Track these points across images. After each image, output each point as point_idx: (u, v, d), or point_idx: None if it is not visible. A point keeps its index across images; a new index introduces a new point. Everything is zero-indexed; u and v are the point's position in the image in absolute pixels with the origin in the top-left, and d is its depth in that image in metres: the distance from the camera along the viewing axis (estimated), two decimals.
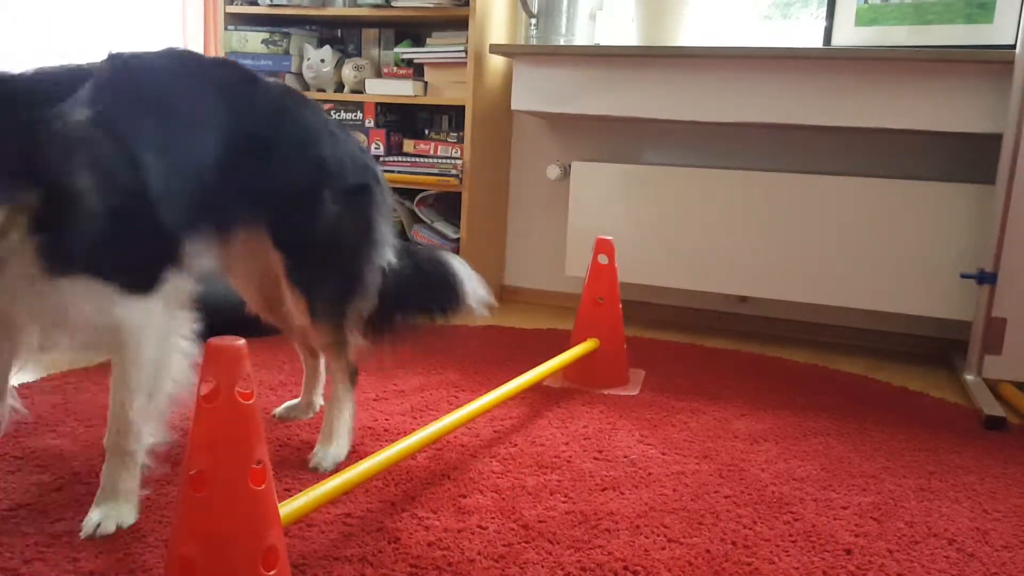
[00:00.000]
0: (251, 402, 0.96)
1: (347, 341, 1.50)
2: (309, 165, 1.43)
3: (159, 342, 1.23)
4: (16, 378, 1.89)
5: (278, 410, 1.73)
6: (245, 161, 1.36)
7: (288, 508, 1.06)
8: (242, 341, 0.96)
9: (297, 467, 1.49)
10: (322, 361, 1.71)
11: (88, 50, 3.18)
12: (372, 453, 1.29)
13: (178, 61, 1.38)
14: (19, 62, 3.00)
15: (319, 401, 1.74)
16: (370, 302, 1.50)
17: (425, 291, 1.61)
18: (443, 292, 1.61)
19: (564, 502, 1.39)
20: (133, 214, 1.18)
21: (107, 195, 1.14)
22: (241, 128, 1.36)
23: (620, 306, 2.05)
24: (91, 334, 1.19)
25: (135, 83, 1.27)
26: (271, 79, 1.49)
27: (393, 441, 1.33)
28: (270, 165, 1.39)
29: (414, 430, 1.38)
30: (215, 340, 0.95)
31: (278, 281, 1.46)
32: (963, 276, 2.24)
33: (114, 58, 1.29)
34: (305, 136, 1.44)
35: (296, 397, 1.80)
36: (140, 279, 1.20)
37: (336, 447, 1.50)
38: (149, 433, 1.26)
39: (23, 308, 1.17)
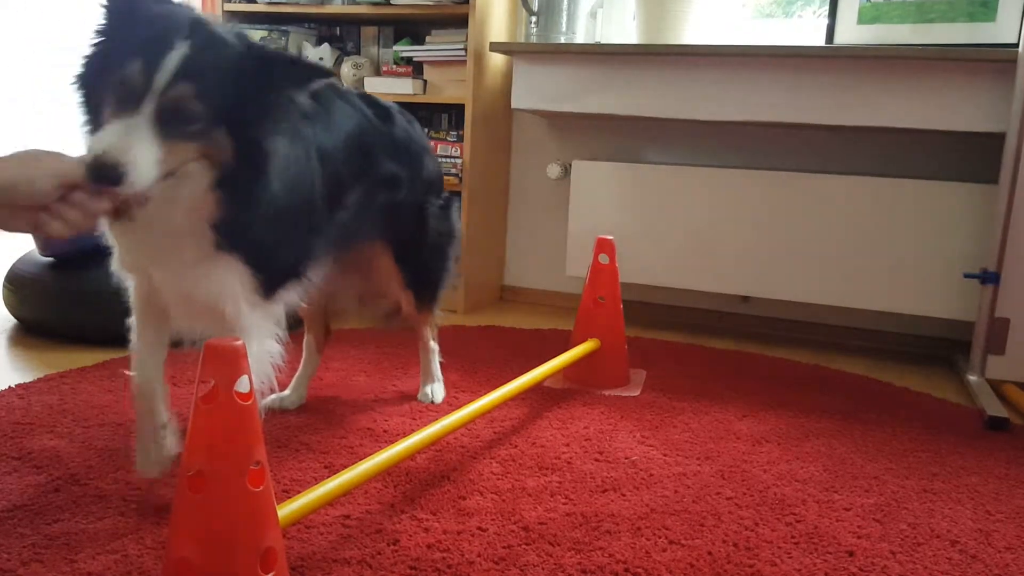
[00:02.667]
0: (249, 403, 0.95)
1: (435, 313, 1.86)
2: (422, 188, 1.70)
3: (261, 342, 1.30)
4: (16, 378, 1.89)
5: (267, 400, 1.75)
6: (380, 194, 1.58)
7: (287, 510, 1.05)
8: (240, 341, 0.95)
9: (296, 468, 1.48)
10: (319, 356, 1.88)
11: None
12: (372, 454, 1.29)
13: (338, 94, 1.53)
14: (16, 57, 3.00)
15: (305, 393, 1.85)
16: (445, 287, 1.85)
17: None
18: None
19: (565, 503, 1.39)
20: (300, 225, 1.31)
21: (291, 196, 1.24)
22: (382, 167, 1.58)
23: (620, 306, 2.05)
24: (216, 320, 1.25)
25: (334, 112, 1.45)
26: (385, 103, 1.66)
27: (393, 442, 1.33)
28: (398, 194, 1.63)
29: (414, 431, 1.37)
30: (213, 340, 0.94)
31: (371, 278, 1.74)
32: (966, 276, 2.24)
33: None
34: (420, 164, 1.70)
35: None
36: (275, 285, 1.30)
37: (440, 384, 1.91)
38: None
39: (175, 282, 1.23)
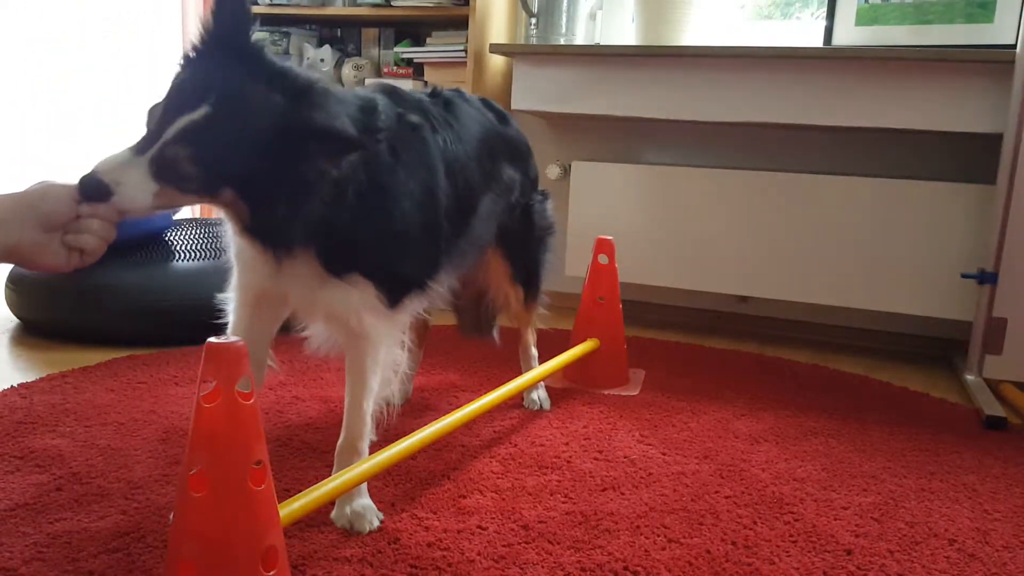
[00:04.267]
0: (251, 402, 0.96)
1: (538, 310, 1.89)
2: (528, 189, 1.74)
3: (389, 350, 1.34)
4: (18, 377, 1.89)
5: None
6: (502, 197, 1.61)
7: (288, 509, 1.06)
8: (242, 341, 0.95)
9: (298, 466, 1.49)
10: (420, 352, 1.91)
11: (87, 49, 3.18)
12: (372, 453, 1.30)
13: (466, 102, 1.55)
14: (16, 58, 3.00)
15: (410, 388, 1.90)
16: (545, 278, 1.87)
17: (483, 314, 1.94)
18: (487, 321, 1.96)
19: (564, 502, 1.39)
20: (421, 240, 1.32)
21: (397, 216, 1.26)
22: (504, 172, 1.60)
23: (620, 306, 2.05)
24: (344, 332, 1.30)
25: (463, 121, 1.48)
26: (497, 105, 1.68)
27: (393, 441, 1.33)
28: (512, 196, 1.66)
29: (414, 430, 1.38)
30: (214, 340, 0.94)
31: (475, 280, 1.76)
32: (964, 276, 2.24)
33: (438, 95, 1.51)
34: (528, 164, 1.74)
35: (297, 397, 1.80)
36: (399, 296, 1.31)
37: (544, 389, 1.90)
38: (370, 432, 1.35)
39: (301, 297, 1.28)
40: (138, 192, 1.06)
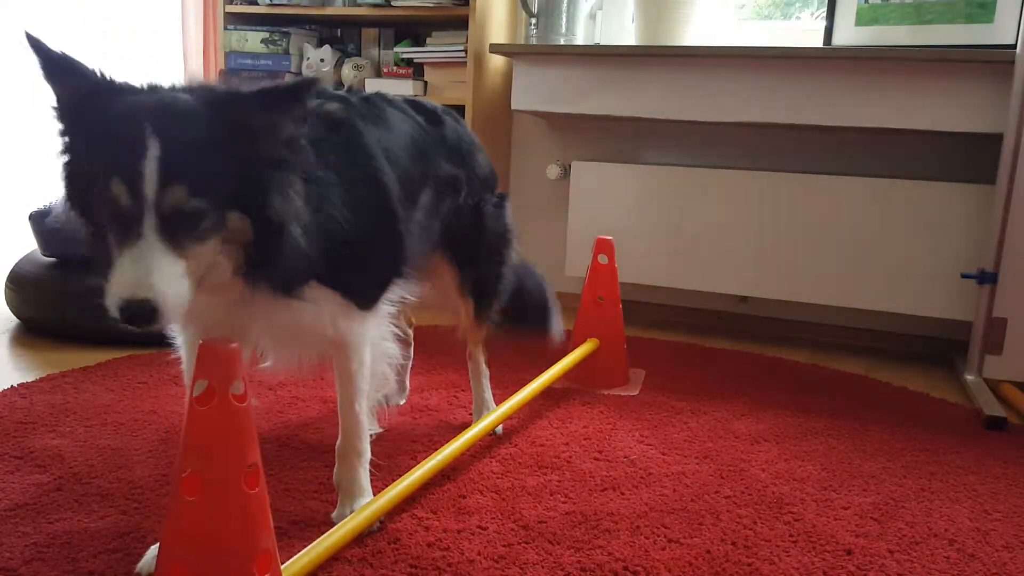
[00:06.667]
0: (245, 404, 0.95)
1: (487, 328, 1.73)
2: (476, 188, 1.62)
3: (375, 347, 1.32)
4: (18, 377, 1.89)
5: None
6: (444, 197, 1.52)
7: (295, 567, 1.04)
8: (236, 343, 0.95)
9: (297, 467, 1.49)
10: (412, 348, 1.87)
11: (87, 49, 3.18)
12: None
13: (386, 101, 1.47)
14: (16, 58, 3.00)
15: (406, 387, 1.87)
16: (505, 295, 1.72)
17: (526, 308, 1.85)
18: (536, 315, 1.88)
19: (564, 502, 1.39)
20: (371, 243, 1.24)
21: (353, 214, 1.17)
22: (441, 169, 1.52)
23: (620, 306, 2.05)
24: (320, 345, 1.27)
25: (388, 118, 1.39)
26: (431, 105, 1.61)
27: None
28: (458, 196, 1.56)
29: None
30: (208, 341, 0.94)
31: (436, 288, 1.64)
32: (964, 276, 2.24)
33: (353, 93, 1.41)
34: (474, 162, 1.62)
35: (297, 397, 1.80)
36: (372, 295, 1.28)
37: (493, 412, 1.67)
38: (369, 429, 1.35)
39: (256, 326, 1.18)
40: (177, 287, 0.92)
